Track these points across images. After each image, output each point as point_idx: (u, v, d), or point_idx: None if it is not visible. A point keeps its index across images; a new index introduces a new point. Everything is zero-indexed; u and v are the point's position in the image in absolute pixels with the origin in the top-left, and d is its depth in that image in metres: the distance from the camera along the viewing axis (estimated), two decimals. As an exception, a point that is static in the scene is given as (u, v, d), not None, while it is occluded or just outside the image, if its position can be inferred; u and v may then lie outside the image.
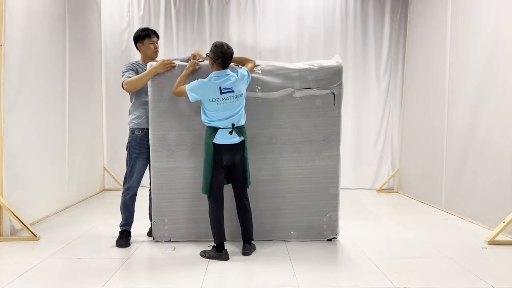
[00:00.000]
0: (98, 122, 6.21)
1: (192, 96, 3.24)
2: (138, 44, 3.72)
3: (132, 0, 6.62)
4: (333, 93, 3.66)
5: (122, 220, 3.68)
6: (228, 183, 3.43)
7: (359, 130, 6.65)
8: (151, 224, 3.75)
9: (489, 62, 4.29)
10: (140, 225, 3.90)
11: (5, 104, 3.80)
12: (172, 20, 6.65)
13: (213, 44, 3.26)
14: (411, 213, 5.09)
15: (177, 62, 3.59)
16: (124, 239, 3.62)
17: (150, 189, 3.73)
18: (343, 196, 4.15)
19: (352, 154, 6.59)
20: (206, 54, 3.34)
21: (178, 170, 3.62)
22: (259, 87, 3.63)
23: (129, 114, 3.71)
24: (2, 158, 3.75)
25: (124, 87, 3.50)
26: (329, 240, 3.76)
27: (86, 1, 5.66)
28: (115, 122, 6.54)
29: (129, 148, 3.64)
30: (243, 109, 3.32)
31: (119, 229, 3.68)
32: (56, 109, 4.83)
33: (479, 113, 4.43)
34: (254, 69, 3.61)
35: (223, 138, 3.22)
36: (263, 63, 3.73)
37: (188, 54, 3.87)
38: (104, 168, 6.43)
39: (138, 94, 3.62)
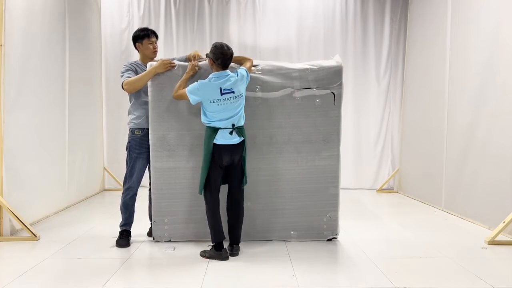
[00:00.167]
0: (98, 122, 6.21)
1: (192, 99, 3.23)
2: (137, 44, 3.71)
3: (132, 0, 6.62)
4: (333, 93, 3.66)
5: (122, 220, 3.68)
6: (224, 183, 3.43)
7: (359, 130, 6.65)
8: (151, 224, 3.75)
9: (489, 62, 4.29)
10: (140, 225, 3.91)
11: (5, 104, 3.80)
12: (172, 20, 6.65)
13: (213, 44, 3.26)
14: (411, 213, 5.09)
15: (176, 62, 3.59)
16: (124, 239, 3.62)
17: (150, 189, 3.73)
18: (343, 196, 4.15)
19: (352, 154, 6.58)
20: (206, 55, 3.33)
21: (178, 170, 3.62)
22: (259, 87, 3.63)
23: (129, 114, 3.70)
24: (2, 158, 3.75)
25: (124, 87, 3.50)
26: (329, 240, 3.76)
27: (86, 1, 5.67)
28: (115, 122, 6.54)
29: (129, 148, 3.64)
30: (243, 109, 3.32)
31: (119, 229, 3.68)
32: (56, 109, 4.83)
33: (479, 113, 4.43)
34: (254, 69, 3.61)
35: (224, 138, 3.22)
36: (263, 63, 3.73)
37: (187, 54, 3.87)
38: (104, 168, 6.43)
39: (137, 94, 3.61)
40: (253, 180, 3.61)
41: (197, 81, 3.28)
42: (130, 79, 3.49)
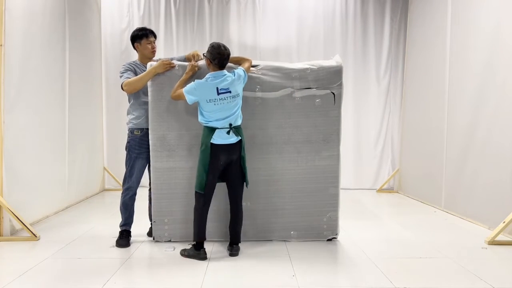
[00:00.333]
0: (98, 122, 6.21)
1: (189, 98, 3.24)
2: (135, 44, 3.71)
3: (132, 0, 6.62)
4: (333, 93, 3.66)
5: (122, 220, 3.68)
6: (222, 181, 3.43)
7: (359, 130, 6.65)
8: (151, 224, 3.75)
9: (489, 62, 4.29)
10: (140, 225, 3.90)
11: (5, 104, 3.80)
12: (172, 20, 6.65)
13: (210, 44, 3.27)
14: (411, 213, 5.09)
15: (176, 62, 3.59)
16: (124, 239, 3.62)
17: (150, 189, 3.73)
18: (343, 196, 4.15)
19: (352, 154, 6.58)
20: (203, 55, 3.34)
21: (178, 170, 3.62)
22: (259, 87, 3.63)
23: (128, 114, 3.70)
24: (2, 158, 3.75)
25: (124, 88, 3.50)
26: (329, 240, 3.76)
27: (86, 1, 5.67)
28: (115, 122, 6.54)
29: (128, 148, 3.64)
30: (239, 109, 3.32)
31: (119, 229, 3.68)
32: (56, 109, 4.83)
33: (479, 113, 4.43)
34: (254, 69, 3.61)
35: (221, 138, 3.23)
36: (263, 63, 3.73)
37: (186, 53, 3.87)
38: (104, 168, 6.43)
39: (136, 94, 3.61)
40: (253, 180, 3.60)
41: (193, 80, 3.28)
42: (129, 79, 3.49)
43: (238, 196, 3.41)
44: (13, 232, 3.91)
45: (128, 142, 3.65)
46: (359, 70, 6.61)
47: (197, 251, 3.27)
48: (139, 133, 3.61)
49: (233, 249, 3.36)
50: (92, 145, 5.95)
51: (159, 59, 3.66)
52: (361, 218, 4.77)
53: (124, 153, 3.70)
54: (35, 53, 4.30)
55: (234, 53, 6.40)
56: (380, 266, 3.15)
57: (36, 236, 3.77)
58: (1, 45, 3.74)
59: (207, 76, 3.24)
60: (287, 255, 3.37)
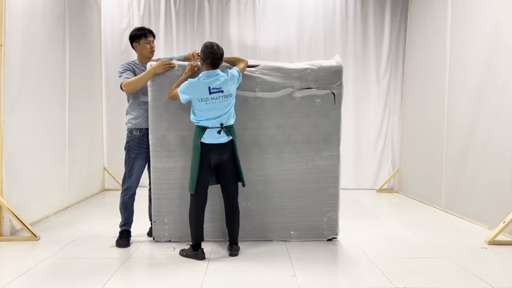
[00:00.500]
0: (98, 122, 6.21)
1: (183, 97, 3.24)
2: (134, 44, 3.70)
3: (132, 0, 6.62)
4: (333, 93, 3.66)
5: (122, 220, 3.68)
6: (217, 183, 3.42)
7: (359, 130, 6.64)
8: (151, 224, 3.75)
9: (489, 62, 4.29)
10: (140, 225, 3.91)
11: (5, 104, 3.80)
12: (172, 20, 6.65)
13: (203, 44, 3.27)
14: (411, 213, 5.09)
15: (176, 62, 3.59)
16: (124, 239, 3.62)
17: (149, 189, 3.73)
18: (343, 196, 4.15)
19: (352, 154, 6.58)
20: (198, 54, 3.34)
21: (178, 170, 3.62)
22: (259, 87, 3.63)
23: (127, 114, 3.69)
24: (2, 158, 3.75)
25: (123, 88, 3.49)
26: (329, 240, 3.76)
27: (86, 1, 5.67)
28: (115, 122, 6.53)
29: (128, 148, 3.64)
30: (232, 108, 3.31)
31: (119, 229, 3.68)
32: (56, 109, 4.83)
33: (479, 113, 4.43)
34: (254, 69, 3.60)
35: (211, 137, 3.23)
36: (263, 63, 3.73)
37: (185, 53, 3.87)
38: (104, 168, 6.43)
39: (135, 94, 3.60)
40: (253, 180, 3.60)
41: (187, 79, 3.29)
42: (129, 79, 3.48)
43: (232, 194, 3.39)
44: (13, 232, 3.91)
45: (127, 142, 3.65)
46: (359, 70, 6.61)
47: (195, 252, 3.27)
48: (138, 133, 3.61)
49: (233, 249, 3.36)
50: (92, 145, 5.95)
51: (159, 59, 3.66)
52: (361, 218, 4.76)
53: (124, 153, 3.70)
54: (35, 53, 4.30)
55: (234, 53, 6.50)
56: (380, 266, 3.15)
57: (36, 236, 3.77)
58: (1, 45, 3.74)
59: (200, 75, 3.25)
60: (287, 255, 3.37)
